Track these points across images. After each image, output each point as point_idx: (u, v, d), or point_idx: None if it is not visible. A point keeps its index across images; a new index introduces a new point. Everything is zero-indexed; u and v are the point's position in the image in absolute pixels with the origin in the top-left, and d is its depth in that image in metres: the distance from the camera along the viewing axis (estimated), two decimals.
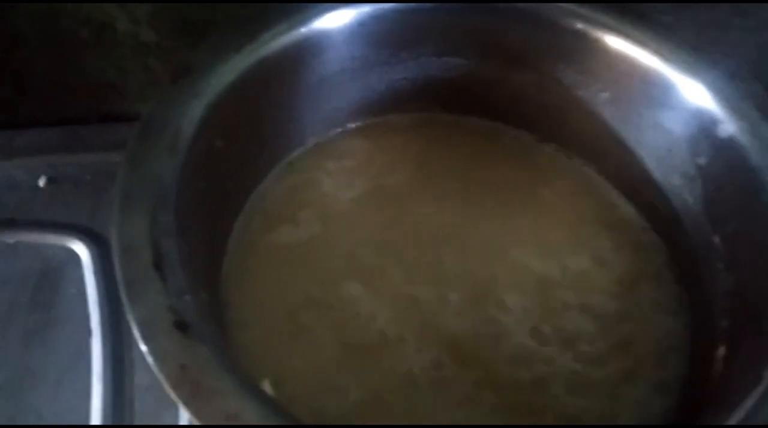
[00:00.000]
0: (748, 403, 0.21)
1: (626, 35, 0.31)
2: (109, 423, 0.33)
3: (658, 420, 0.27)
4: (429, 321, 0.30)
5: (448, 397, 0.28)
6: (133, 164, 0.25)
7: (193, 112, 0.26)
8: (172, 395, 0.19)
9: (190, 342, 0.20)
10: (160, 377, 0.19)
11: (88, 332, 0.36)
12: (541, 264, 0.32)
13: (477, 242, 0.33)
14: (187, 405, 0.19)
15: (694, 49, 0.30)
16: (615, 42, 0.31)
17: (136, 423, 0.33)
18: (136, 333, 0.20)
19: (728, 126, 0.28)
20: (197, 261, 0.26)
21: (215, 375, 0.20)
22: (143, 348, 0.20)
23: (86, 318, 0.36)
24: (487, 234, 0.33)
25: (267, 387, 0.26)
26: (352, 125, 0.37)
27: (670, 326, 0.30)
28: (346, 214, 0.33)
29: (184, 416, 0.33)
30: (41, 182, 0.42)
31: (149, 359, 0.20)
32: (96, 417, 0.33)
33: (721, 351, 0.26)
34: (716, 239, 0.29)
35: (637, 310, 0.31)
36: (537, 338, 0.29)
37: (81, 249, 0.38)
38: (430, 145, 0.36)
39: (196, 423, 0.32)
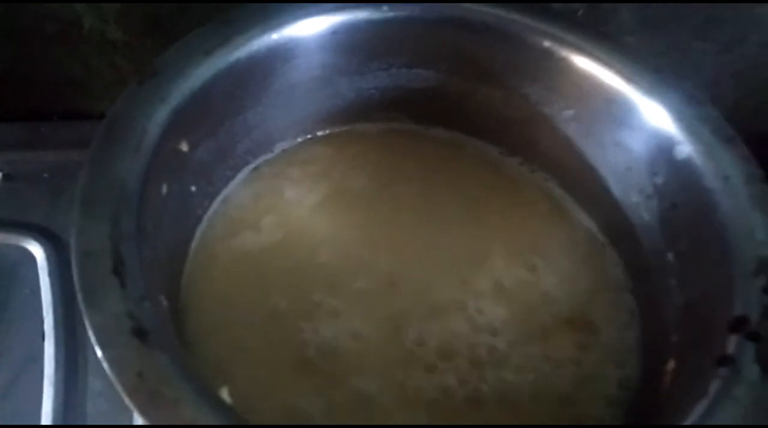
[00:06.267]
0: (694, 416, 0.22)
1: (592, 55, 0.32)
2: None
3: None
4: (389, 327, 0.30)
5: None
6: (96, 165, 0.24)
7: (159, 114, 0.26)
8: (128, 402, 0.19)
9: (149, 349, 0.20)
10: (117, 384, 0.19)
11: (41, 334, 0.35)
12: (498, 275, 0.32)
13: (436, 249, 0.33)
14: (143, 413, 0.19)
15: (656, 71, 0.31)
16: (581, 61, 0.32)
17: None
18: (93, 340, 0.20)
19: (685, 147, 0.29)
20: (158, 267, 0.25)
21: (173, 382, 0.19)
22: (99, 354, 0.19)
23: (39, 320, 0.35)
24: (448, 241, 0.33)
25: (225, 395, 0.26)
26: (319, 133, 0.37)
27: (624, 339, 0.31)
28: (308, 220, 0.33)
29: (138, 422, 0.32)
30: None
31: (105, 366, 0.19)
32: (46, 421, 0.32)
33: (671, 364, 0.27)
34: (670, 256, 0.30)
35: (592, 322, 0.31)
36: (492, 344, 0.30)
37: (36, 249, 0.38)
38: (395, 154, 0.37)
39: None
